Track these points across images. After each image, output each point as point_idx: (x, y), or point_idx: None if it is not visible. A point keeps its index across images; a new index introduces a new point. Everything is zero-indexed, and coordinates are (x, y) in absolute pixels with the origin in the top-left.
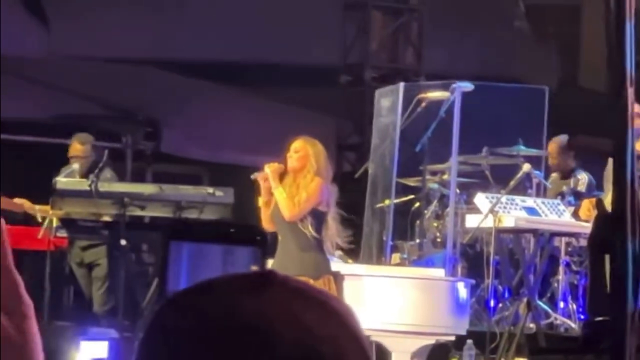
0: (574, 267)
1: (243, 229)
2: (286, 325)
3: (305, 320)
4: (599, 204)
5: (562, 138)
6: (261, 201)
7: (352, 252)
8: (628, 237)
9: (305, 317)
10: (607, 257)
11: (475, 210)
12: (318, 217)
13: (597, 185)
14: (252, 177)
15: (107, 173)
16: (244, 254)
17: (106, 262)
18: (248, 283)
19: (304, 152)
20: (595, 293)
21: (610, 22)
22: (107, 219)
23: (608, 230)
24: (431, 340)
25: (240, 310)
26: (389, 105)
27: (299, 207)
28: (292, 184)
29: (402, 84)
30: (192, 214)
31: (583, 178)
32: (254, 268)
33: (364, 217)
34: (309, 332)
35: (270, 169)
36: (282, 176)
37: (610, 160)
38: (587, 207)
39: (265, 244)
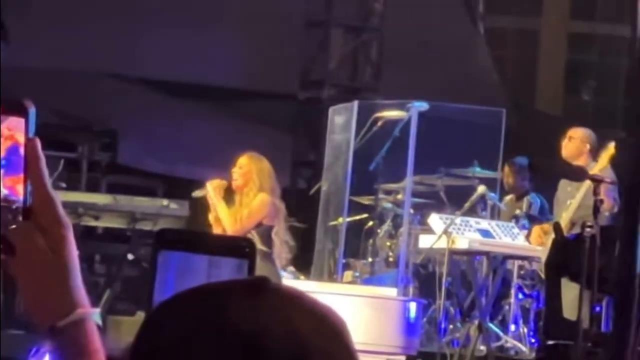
0: (525, 291)
1: (231, 240)
2: (279, 332)
3: (299, 329)
4: (557, 228)
5: (519, 160)
6: (211, 217)
7: (304, 269)
8: None
9: (299, 325)
10: (563, 281)
11: (429, 230)
12: (265, 231)
13: (549, 209)
14: (194, 195)
15: None
16: (230, 266)
17: None
18: (242, 289)
19: (247, 168)
20: (550, 316)
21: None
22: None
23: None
24: (381, 359)
25: (234, 315)
26: (342, 122)
27: (240, 223)
28: (239, 201)
29: (356, 102)
30: (146, 226)
31: (535, 202)
32: None
33: (316, 234)
34: (303, 341)
35: (211, 186)
36: (231, 192)
37: (561, 184)
38: (538, 234)
39: (253, 257)
